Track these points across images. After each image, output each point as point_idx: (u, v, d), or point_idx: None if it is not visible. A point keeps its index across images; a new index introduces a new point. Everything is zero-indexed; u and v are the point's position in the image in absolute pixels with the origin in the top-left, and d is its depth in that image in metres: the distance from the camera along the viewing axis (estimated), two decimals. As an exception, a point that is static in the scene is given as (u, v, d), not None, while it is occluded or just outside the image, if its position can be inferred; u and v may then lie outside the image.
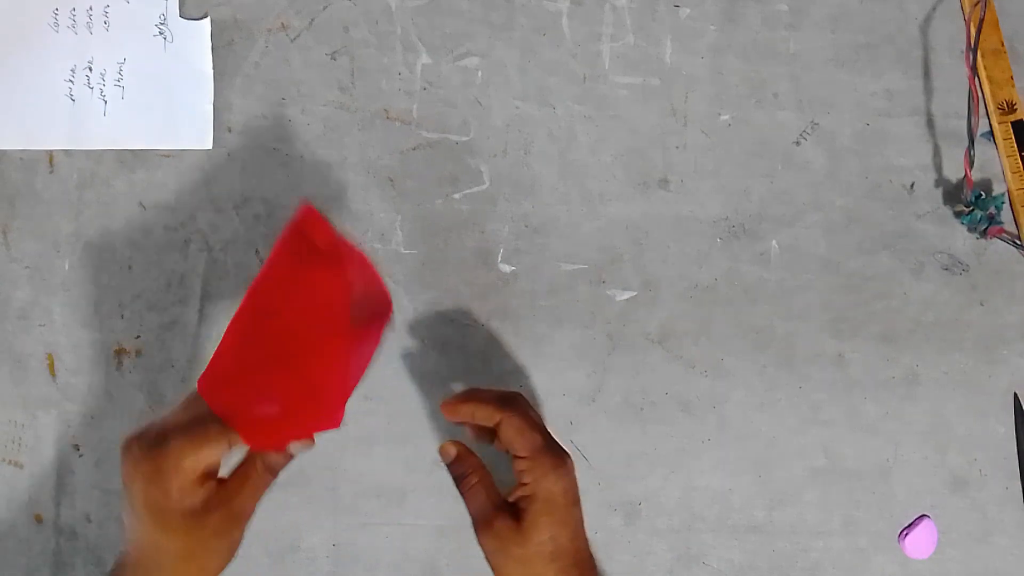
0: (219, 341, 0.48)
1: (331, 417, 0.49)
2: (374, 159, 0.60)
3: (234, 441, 0.45)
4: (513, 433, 0.50)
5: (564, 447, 0.50)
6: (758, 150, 0.60)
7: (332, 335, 0.47)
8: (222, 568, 0.47)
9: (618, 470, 0.60)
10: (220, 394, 0.46)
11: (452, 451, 0.52)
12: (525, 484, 0.49)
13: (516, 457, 0.50)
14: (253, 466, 0.47)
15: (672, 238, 0.60)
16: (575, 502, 0.50)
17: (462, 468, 0.51)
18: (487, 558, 0.50)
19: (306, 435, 0.48)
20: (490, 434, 0.52)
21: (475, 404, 0.51)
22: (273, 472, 0.48)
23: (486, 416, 0.51)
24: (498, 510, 0.49)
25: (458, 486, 0.52)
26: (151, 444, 0.44)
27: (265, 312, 0.48)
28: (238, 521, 0.47)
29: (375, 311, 0.53)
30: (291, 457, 0.48)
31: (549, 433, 0.51)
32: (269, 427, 0.46)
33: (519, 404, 0.51)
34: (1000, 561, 0.60)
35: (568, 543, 0.49)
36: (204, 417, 0.45)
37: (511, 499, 0.50)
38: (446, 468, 0.53)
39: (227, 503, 0.45)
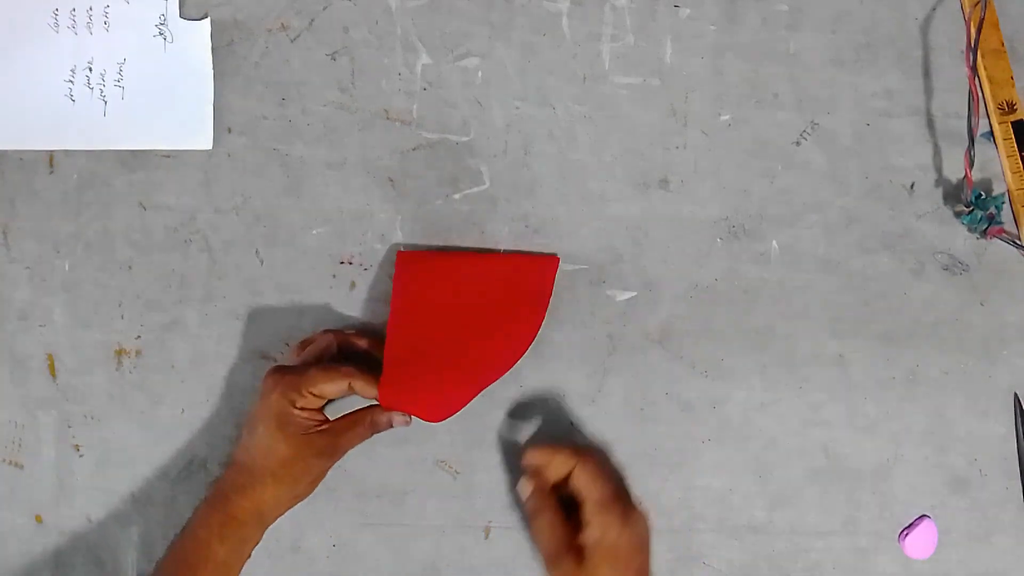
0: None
1: (450, 410, 0.56)
2: (374, 159, 0.60)
3: (355, 385, 0.54)
4: (586, 479, 0.53)
5: (636, 501, 0.54)
6: (758, 150, 0.60)
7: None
8: (305, 494, 0.55)
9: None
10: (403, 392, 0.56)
11: (528, 487, 0.55)
12: (592, 531, 0.52)
13: (586, 503, 0.52)
14: (363, 417, 0.56)
15: (672, 238, 0.60)
16: (640, 551, 0.53)
17: (536, 504, 0.54)
18: None
19: (420, 413, 0.55)
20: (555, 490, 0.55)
21: (552, 451, 0.54)
22: (374, 429, 0.56)
23: (561, 463, 0.54)
24: (566, 550, 0.52)
25: (530, 522, 0.55)
26: (295, 368, 0.55)
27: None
28: (334, 453, 0.55)
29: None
30: (390, 426, 0.56)
31: (623, 486, 0.54)
32: (406, 395, 0.55)
33: (594, 454, 0.54)
34: (1000, 561, 0.60)
35: None
36: (336, 361, 0.56)
37: (577, 541, 0.52)
38: (521, 504, 0.56)
39: (333, 434, 0.55)
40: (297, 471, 0.54)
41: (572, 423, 0.60)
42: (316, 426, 0.54)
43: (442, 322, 0.57)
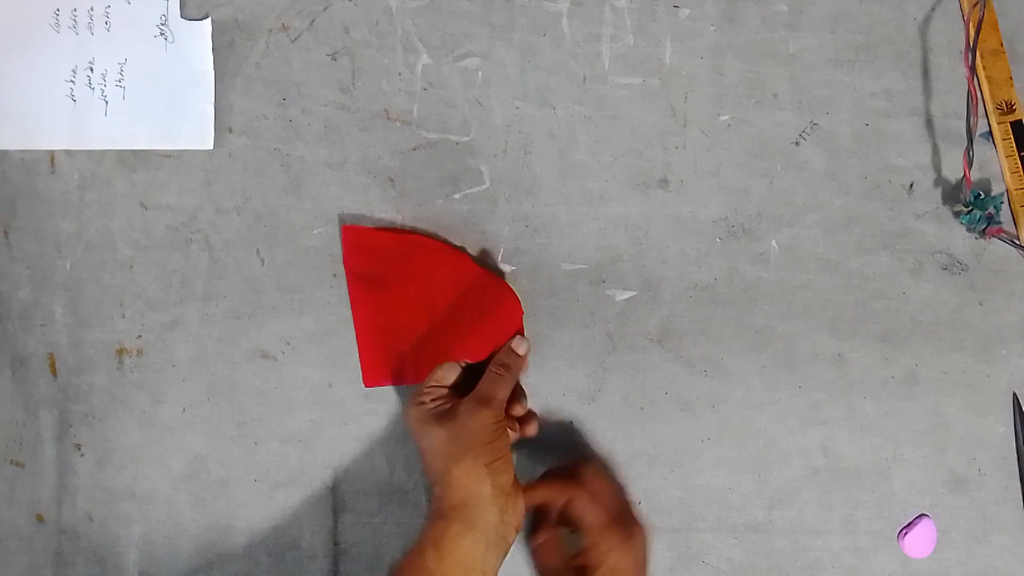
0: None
1: (511, 308, 0.58)
2: (374, 159, 0.60)
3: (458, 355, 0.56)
4: (580, 511, 0.54)
5: (636, 516, 0.56)
6: (757, 150, 0.61)
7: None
8: (500, 456, 0.53)
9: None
10: (394, 371, 0.59)
11: (541, 538, 0.56)
12: (591, 556, 0.54)
13: (586, 530, 0.54)
14: (493, 366, 0.56)
15: (672, 238, 0.60)
16: (640, 570, 0.55)
17: (540, 521, 0.56)
18: None
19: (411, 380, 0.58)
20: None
21: (546, 488, 0.56)
22: (510, 370, 0.56)
23: (555, 497, 0.55)
24: (564, 571, 0.55)
25: (528, 541, 0.57)
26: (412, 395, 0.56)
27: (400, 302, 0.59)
28: (487, 402, 0.54)
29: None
30: (520, 356, 0.57)
31: (623, 502, 0.56)
32: (466, 345, 0.57)
33: (587, 480, 0.56)
34: (999, 560, 0.60)
35: None
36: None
37: (576, 563, 0.54)
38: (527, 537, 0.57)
39: (479, 386, 0.55)
40: (467, 438, 0.52)
41: (572, 422, 0.60)
42: (447, 400, 0.55)
43: (404, 296, 0.59)
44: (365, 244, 0.59)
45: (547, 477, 0.57)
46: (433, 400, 0.55)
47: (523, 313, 0.58)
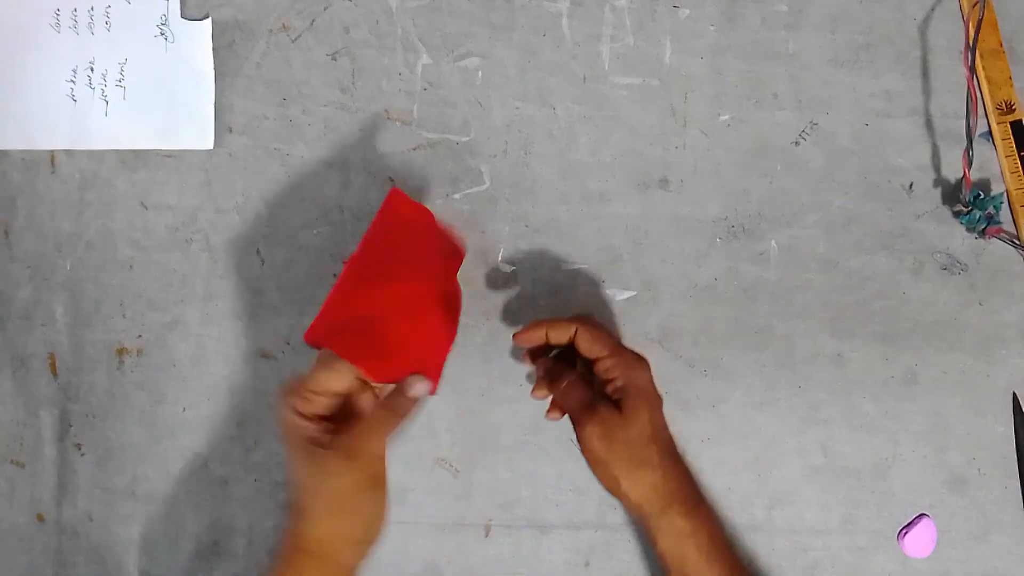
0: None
1: (432, 367, 0.53)
2: (375, 159, 0.60)
3: (359, 374, 0.50)
4: (591, 338, 0.54)
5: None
6: (757, 150, 0.61)
7: (425, 283, 0.53)
8: (369, 513, 0.50)
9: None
10: (332, 340, 0.51)
11: (546, 360, 0.56)
12: (615, 379, 0.53)
13: (599, 359, 0.54)
14: (379, 405, 0.51)
15: (672, 238, 0.60)
16: (655, 385, 0.55)
17: (557, 371, 0.55)
18: (589, 448, 0.53)
19: (419, 370, 0.51)
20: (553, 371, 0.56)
21: (549, 324, 0.55)
22: (396, 412, 0.50)
23: (561, 331, 0.54)
24: (599, 401, 0.53)
25: (553, 389, 0.55)
26: (293, 382, 0.50)
27: (367, 275, 0.53)
28: (360, 450, 0.49)
29: (453, 258, 0.58)
30: (412, 400, 0.51)
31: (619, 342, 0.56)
32: (380, 361, 0.51)
33: (590, 318, 0.56)
34: (999, 560, 0.60)
35: (662, 426, 0.54)
36: (332, 356, 0.50)
37: (608, 390, 0.54)
38: (539, 375, 0.57)
39: (354, 432, 0.49)
40: (327, 497, 0.49)
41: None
42: (320, 422, 0.49)
43: (382, 272, 0.53)
44: (403, 213, 0.55)
45: (545, 319, 0.55)
46: (310, 415, 0.49)
47: (441, 369, 0.54)
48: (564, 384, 0.54)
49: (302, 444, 0.48)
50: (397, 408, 0.50)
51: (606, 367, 0.54)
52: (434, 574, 0.60)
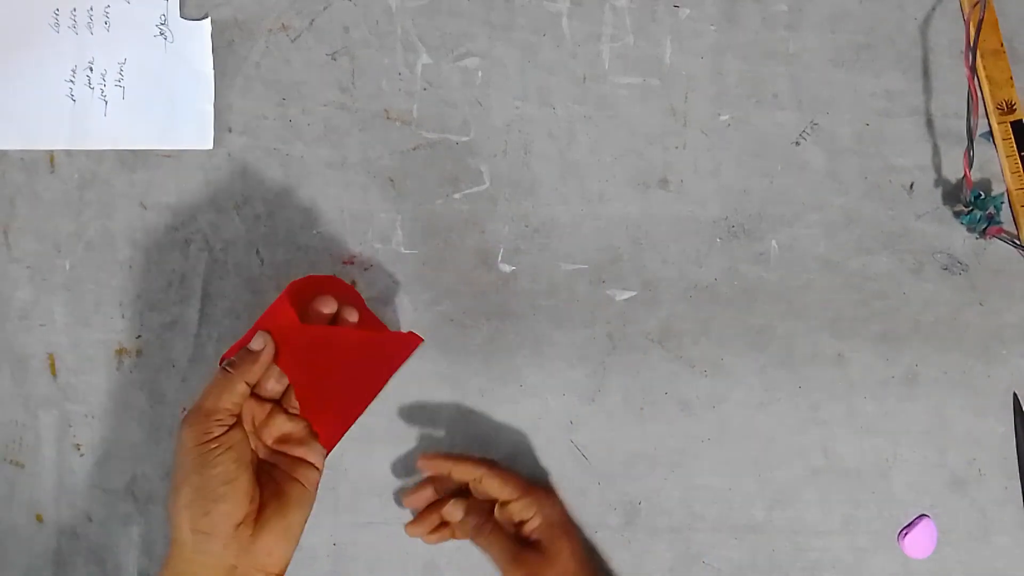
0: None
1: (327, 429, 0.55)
2: (374, 159, 0.60)
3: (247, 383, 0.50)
4: (501, 482, 0.55)
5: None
6: (758, 150, 0.61)
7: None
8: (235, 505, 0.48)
9: (618, 470, 0.60)
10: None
11: (462, 506, 0.56)
12: (530, 518, 0.55)
13: (508, 502, 0.55)
14: (220, 368, 0.51)
15: (672, 238, 0.60)
16: (572, 520, 0.58)
17: (477, 519, 0.56)
18: None
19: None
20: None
21: (455, 462, 0.56)
22: (235, 368, 0.50)
23: (465, 471, 0.56)
24: (520, 546, 0.54)
25: (475, 539, 0.56)
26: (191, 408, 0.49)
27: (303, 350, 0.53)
28: (195, 415, 0.48)
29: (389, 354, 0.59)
30: (251, 352, 0.50)
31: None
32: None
33: (496, 463, 0.57)
34: (1000, 561, 0.60)
35: (584, 555, 0.56)
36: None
37: (523, 535, 0.55)
38: (423, 508, 0.58)
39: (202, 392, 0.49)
40: (177, 467, 0.48)
41: (572, 422, 0.60)
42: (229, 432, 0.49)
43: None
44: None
45: (452, 455, 0.57)
46: (217, 437, 0.48)
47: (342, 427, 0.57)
48: (486, 532, 0.55)
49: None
50: (239, 365, 0.50)
51: (519, 508, 0.55)
52: (434, 574, 0.60)
